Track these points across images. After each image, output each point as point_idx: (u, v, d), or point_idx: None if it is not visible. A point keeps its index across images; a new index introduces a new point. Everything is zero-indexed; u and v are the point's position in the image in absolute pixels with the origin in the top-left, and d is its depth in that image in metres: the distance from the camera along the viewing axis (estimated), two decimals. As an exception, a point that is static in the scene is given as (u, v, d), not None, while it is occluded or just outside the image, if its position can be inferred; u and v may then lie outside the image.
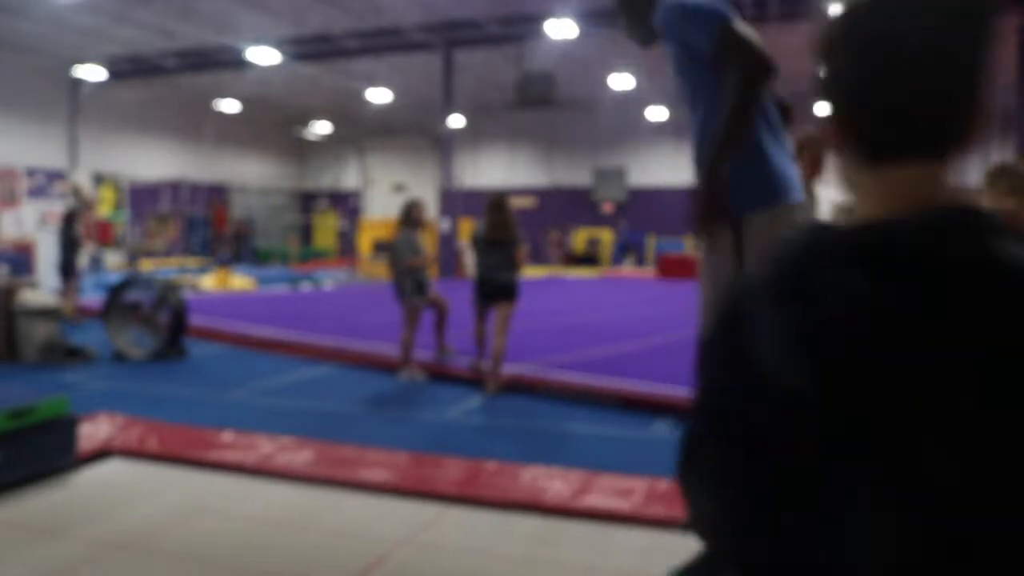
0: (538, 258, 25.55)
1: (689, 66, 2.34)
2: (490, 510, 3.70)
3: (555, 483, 3.93)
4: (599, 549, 3.30)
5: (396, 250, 6.99)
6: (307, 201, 31.67)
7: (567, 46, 17.35)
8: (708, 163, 2.28)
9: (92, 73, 20.54)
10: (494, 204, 6.74)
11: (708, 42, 2.19)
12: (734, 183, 2.15)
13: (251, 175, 28.98)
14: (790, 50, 19.48)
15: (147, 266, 20.85)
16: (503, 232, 6.59)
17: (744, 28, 2.21)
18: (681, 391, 6.09)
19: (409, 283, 6.93)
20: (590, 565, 3.16)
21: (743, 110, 2.16)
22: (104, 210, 22.65)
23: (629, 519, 3.52)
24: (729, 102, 2.18)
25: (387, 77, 21.46)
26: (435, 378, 6.96)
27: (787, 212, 2.19)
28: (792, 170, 2.29)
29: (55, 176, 21.29)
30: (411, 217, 7.11)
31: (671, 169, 25.78)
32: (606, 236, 25.96)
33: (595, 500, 3.71)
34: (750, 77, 2.15)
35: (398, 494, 3.87)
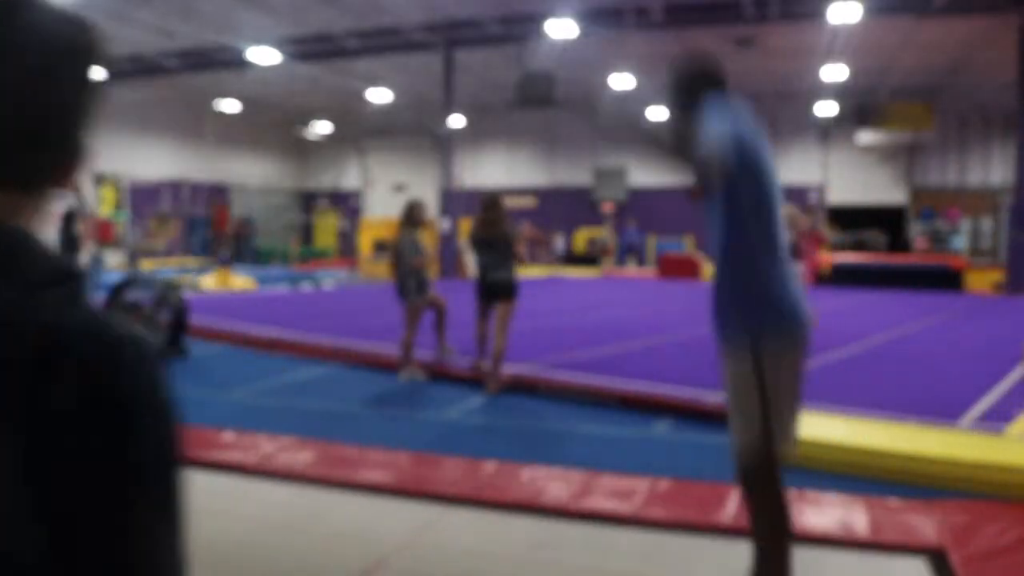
0: (533, 257, 25.54)
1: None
2: (490, 511, 3.70)
3: (555, 483, 3.93)
4: (599, 550, 3.30)
5: (400, 251, 6.99)
6: (307, 201, 31.67)
7: (567, 46, 17.34)
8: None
9: (92, 73, 20.53)
10: (484, 203, 6.77)
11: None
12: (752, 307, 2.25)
13: (251, 175, 28.97)
14: (790, 50, 19.48)
15: (147, 266, 20.85)
16: (493, 230, 6.61)
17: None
18: (681, 391, 6.10)
19: (412, 283, 6.94)
20: (590, 566, 3.16)
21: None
22: (104, 210, 22.64)
23: (629, 520, 3.52)
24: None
25: (387, 77, 21.46)
26: (435, 378, 6.96)
27: (802, 332, 2.28)
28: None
29: (55, 176, 21.28)
30: (413, 217, 7.11)
31: (671, 169, 25.75)
32: (607, 236, 25.94)
33: (595, 501, 3.71)
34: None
35: (398, 495, 3.87)
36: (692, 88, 2.41)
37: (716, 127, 2.22)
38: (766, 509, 2.33)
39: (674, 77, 2.49)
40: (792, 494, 3.80)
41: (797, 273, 2.28)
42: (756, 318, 2.18)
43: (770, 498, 2.34)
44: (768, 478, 2.27)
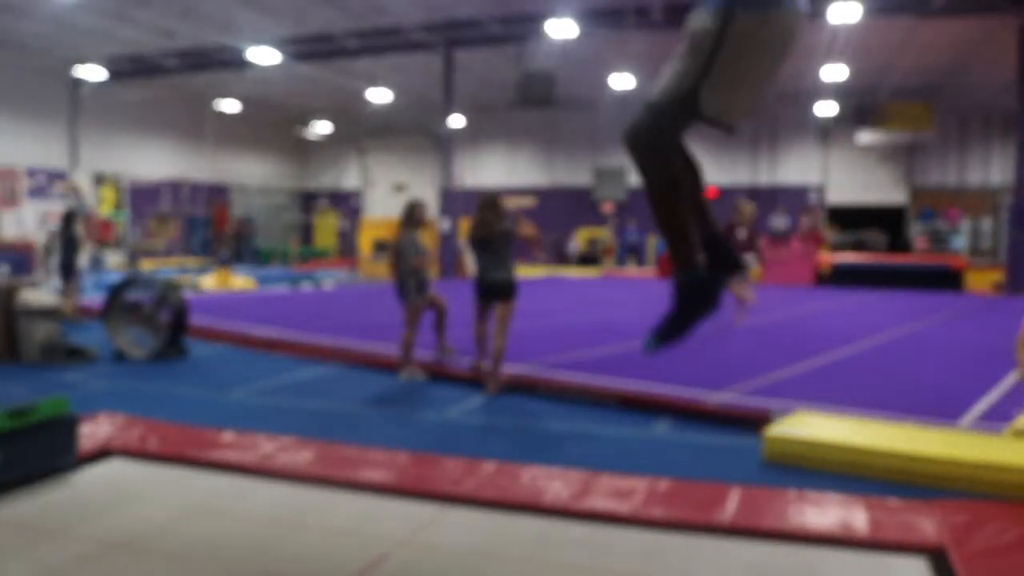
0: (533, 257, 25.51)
1: None
2: (490, 511, 3.69)
3: (555, 483, 3.93)
4: (599, 550, 3.30)
5: (400, 251, 7.00)
6: (307, 201, 31.67)
7: (567, 46, 17.34)
8: None
9: (92, 73, 20.54)
10: (482, 203, 6.77)
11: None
12: None
13: (251, 175, 28.97)
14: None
15: (147, 266, 20.85)
16: (491, 230, 6.60)
17: None
18: (681, 391, 6.10)
19: (412, 283, 6.94)
20: (590, 566, 3.16)
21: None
22: (104, 210, 22.66)
23: (629, 520, 3.52)
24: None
25: (387, 77, 21.47)
26: (435, 378, 6.96)
27: (783, 19, 1.99)
28: None
29: (55, 176, 21.29)
30: (413, 218, 7.11)
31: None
32: (609, 236, 25.93)
33: (595, 501, 3.71)
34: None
35: (398, 494, 3.87)
36: None
37: None
38: (653, 176, 2.12)
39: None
40: (792, 494, 3.80)
41: None
42: None
43: (659, 164, 2.11)
44: (659, 143, 2.05)
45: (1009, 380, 6.58)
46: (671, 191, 2.13)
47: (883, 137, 22.54)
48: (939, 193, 23.19)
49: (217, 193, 27.36)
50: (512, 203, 21.39)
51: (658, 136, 2.10)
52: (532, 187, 27.40)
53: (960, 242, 22.61)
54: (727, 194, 25.22)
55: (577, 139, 26.83)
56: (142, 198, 24.38)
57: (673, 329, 2.30)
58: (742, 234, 11.34)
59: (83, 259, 11.58)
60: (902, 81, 21.38)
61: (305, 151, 31.41)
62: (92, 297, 11.78)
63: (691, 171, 2.29)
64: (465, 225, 19.65)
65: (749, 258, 11.57)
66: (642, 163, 2.14)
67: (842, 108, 22.30)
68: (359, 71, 20.95)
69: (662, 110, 2.06)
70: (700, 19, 1.99)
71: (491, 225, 6.62)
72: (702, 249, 2.23)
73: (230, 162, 27.86)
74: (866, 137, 22.66)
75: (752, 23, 1.94)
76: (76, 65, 20.54)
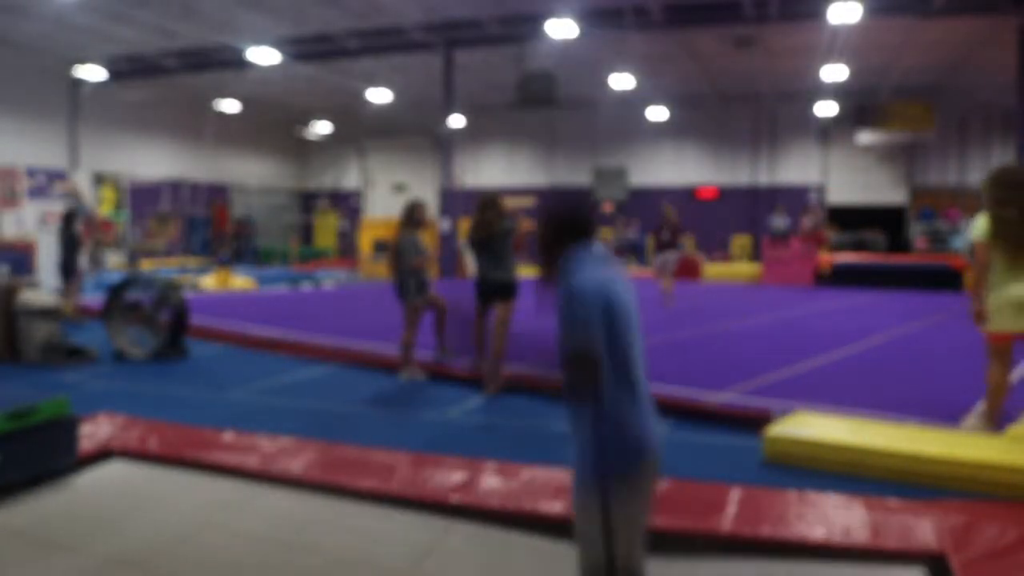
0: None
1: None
2: (493, 521, 3.69)
3: (555, 483, 3.93)
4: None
5: (401, 251, 6.99)
6: (307, 201, 31.66)
7: (567, 46, 17.33)
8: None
9: (92, 73, 20.53)
10: (482, 203, 6.76)
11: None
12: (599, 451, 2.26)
13: (251, 175, 28.96)
14: (790, 50, 19.47)
15: (148, 266, 20.85)
16: (491, 230, 6.60)
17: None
18: (681, 391, 6.09)
19: (412, 283, 6.94)
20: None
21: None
22: (104, 210, 22.66)
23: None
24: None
25: (387, 77, 21.45)
26: (435, 378, 6.96)
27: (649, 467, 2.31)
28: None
29: (55, 176, 21.28)
30: (413, 218, 7.11)
31: (671, 169, 25.78)
32: (621, 233, 25.90)
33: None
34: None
35: (398, 494, 3.86)
36: (558, 237, 2.46)
37: (583, 308, 2.28)
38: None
39: (543, 217, 2.52)
40: (792, 494, 3.80)
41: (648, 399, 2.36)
42: (607, 461, 2.24)
43: None
44: None
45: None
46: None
47: (883, 137, 22.54)
48: (939, 193, 23.19)
49: (217, 193, 27.35)
50: (511, 203, 21.38)
51: None
52: (532, 187, 27.38)
53: (960, 242, 22.60)
54: (727, 194, 25.26)
55: (577, 139, 26.82)
56: (142, 198, 24.37)
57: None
58: (666, 235, 13.27)
59: (84, 259, 11.58)
60: (902, 81, 21.37)
61: (305, 151, 31.40)
62: (92, 297, 11.78)
63: None
64: (465, 225, 19.67)
65: (671, 255, 13.30)
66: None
67: (842, 108, 22.30)
68: (359, 71, 20.93)
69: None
70: (583, 494, 2.27)
71: (491, 225, 6.62)
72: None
73: (230, 162, 27.85)
74: (866, 137, 22.65)
75: (626, 490, 2.24)
76: (76, 65, 20.53)
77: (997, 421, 4.98)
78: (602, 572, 2.26)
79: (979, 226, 4.96)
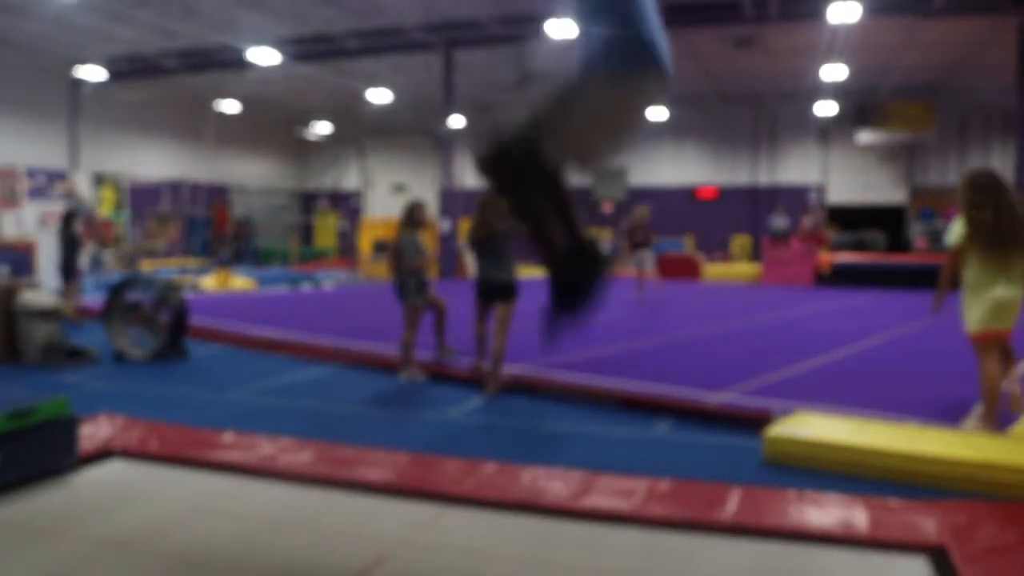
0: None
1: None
2: (490, 510, 3.69)
3: (555, 483, 3.93)
4: (599, 549, 3.30)
5: (401, 251, 7.00)
6: (307, 201, 31.65)
7: (567, 46, 17.33)
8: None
9: (92, 73, 20.53)
10: (481, 203, 6.77)
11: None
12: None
13: (251, 175, 28.96)
14: (790, 50, 19.51)
15: (147, 266, 20.85)
16: (489, 230, 6.61)
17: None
18: (681, 391, 6.10)
19: (412, 283, 6.94)
20: (590, 565, 3.16)
21: None
22: (104, 210, 22.66)
23: (629, 519, 3.52)
24: None
25: (387, 77, 21.45)
26: (435, 378, 6.96)
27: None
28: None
29: (55, 176, 21.28)
30: (413, 218, 7.11)
31: (671, 169, 25.78)
32: (607, 235, 25.93)
33: (595, 500, 3.71)
34: None
35: (398, 494, 3.86)
36: None
37: None
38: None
39: None
40: (792, 494, 3.80)
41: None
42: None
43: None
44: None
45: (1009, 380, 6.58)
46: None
47: (883, 137, 22.54)
48: (939, 193, 23.18)
49: (217, 193, 27.35)
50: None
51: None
52: (532, 187, 27.37)
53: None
54: (727, 194, 25.25)
55: (577, 139, 26.82)
56: (142, 198, 24.37)
57: (552, 323, 2.53)
58: (640, 235, 13.83)
59: (84, 259, 11.58)
60: (902, 81, 21.37)
61: (305, 151, 31.40)
62: (92, 297, 11.78)
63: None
64: (465, 225, 19.67)
65: (647, 253, 13.84)
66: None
67: (842, 108, 22.30)
68: (359, 71, 20.93)
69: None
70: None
71: (491, 225, 6.62)
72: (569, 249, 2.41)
73: (230, 162, 27.85)
74: (866, 137, 22.65)
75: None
76: (76, 65, 20.53)
77: (996, 421, 4.99)
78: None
79: (955, 230, 5.04)
